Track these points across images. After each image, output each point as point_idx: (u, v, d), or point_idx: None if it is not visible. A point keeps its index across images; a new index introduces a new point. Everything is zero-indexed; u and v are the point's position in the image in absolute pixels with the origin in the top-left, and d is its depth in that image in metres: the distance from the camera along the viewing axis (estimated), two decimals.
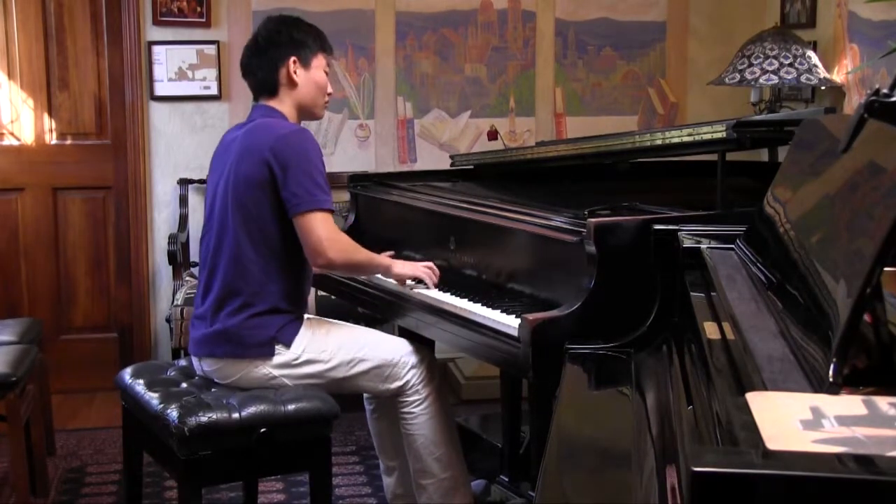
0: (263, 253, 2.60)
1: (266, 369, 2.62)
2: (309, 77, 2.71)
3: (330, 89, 2.79)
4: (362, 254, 2.70)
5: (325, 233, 2.55)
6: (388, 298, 2.86)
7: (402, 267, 2.77)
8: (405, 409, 2.73)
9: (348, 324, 2.87)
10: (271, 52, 2.69)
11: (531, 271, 2.54)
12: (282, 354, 2.62)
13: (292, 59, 2.68)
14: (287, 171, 2.54)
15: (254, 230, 2.60)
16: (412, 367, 2.71)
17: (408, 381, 2.71)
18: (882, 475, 0.94)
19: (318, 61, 2.73)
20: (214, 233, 2.67)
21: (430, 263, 2.79)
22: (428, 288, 2.74)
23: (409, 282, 2.79)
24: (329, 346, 2.67)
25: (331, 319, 2.85)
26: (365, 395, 2.96)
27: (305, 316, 2.73)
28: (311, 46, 2.72)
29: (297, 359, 2.64)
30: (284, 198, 2.55)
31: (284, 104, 2.71)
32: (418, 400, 2.71)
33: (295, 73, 2.69)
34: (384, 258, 2.80)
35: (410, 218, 3.06)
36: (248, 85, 2.78)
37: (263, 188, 2.57)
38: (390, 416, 2.90)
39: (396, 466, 2.95)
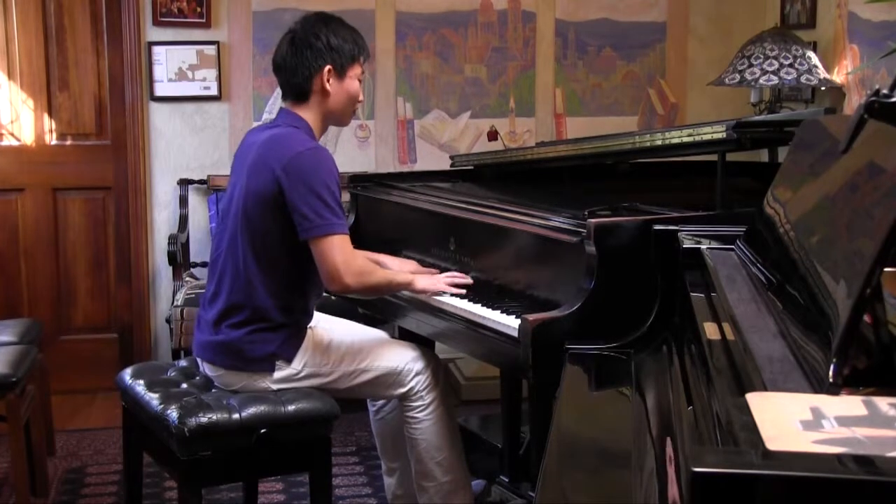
0: (268, 270, 2.56)
1: (266, 384, 2.60)
2: (342, 87, 2.61)
3: (361, 97, 2.69)
4: (379, 275, 2.62)
5: (340, 258, 2.47)
6: (388, 298, 2.86)
7: (424, 282, 2.66)
8: (409, 414, 2.71)
9: (352, 329, 2.82)
10: (307, 55, 2.58)
11: (531, 271, 2.54)
12: (282, 370, 2.60)
13: (328, 68, 2.58)
14: (298, 191, 2.46)
15: (259, 246, 2.55)
16: (417, 374, 2.69)
17: (412, 388, 2.69)
18: (882, 475, 0.94)
19: (354, 70, 2.63)
20: (227, 239, 2.62)
21: (453, 274, 2.72)
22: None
23: None
24: (331, 359, 2.65)
25: (330, 322, 2.83)
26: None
27: (309, 326, 2.69)
28: (347, 55, 2.61)
29: (297, 374, 2.62)
30: (296, 220, 2.48)
31: (312, 112, 2.63)
32: (422, 405, 2.70)
33: (328, 82, 2.59)
34: (404, 275, 2.70)
35: (410, 218, 3.06)
36: (277, 81, 2.68)
37: (271, 205, 2.51)
38: (394, 419, 2.89)
39: (398, 468, 2.94)
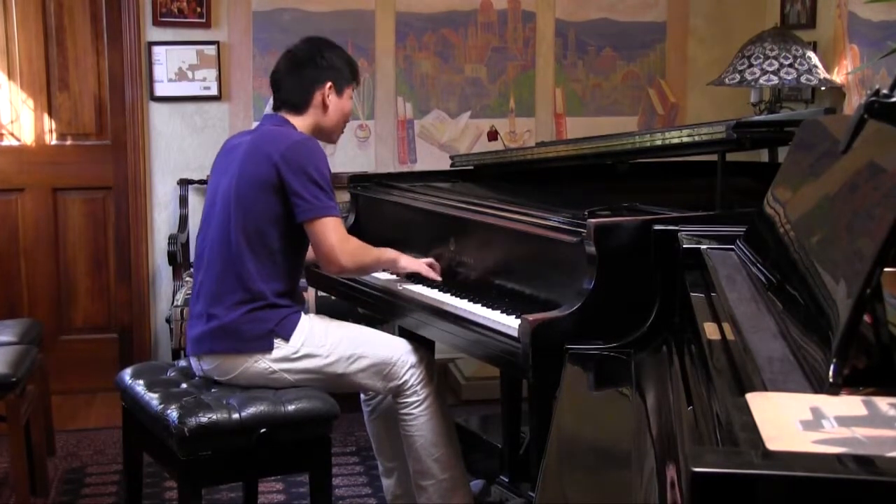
0: (260, 253, 2.62)
1: (265, 363, 2.63)
2: (339, 104, 2.78)
3: (350, 115, 2.86)
4: (371, 255, 2.76)
5: (336, 240, 2.61)
6: (388, 298, 2.86)
7: (406, 262, 2.81)
8: (404, 410, 2.73)
9: (347, 322, 2.87)
10: (310, 72, 2.74)
11: (531, 271, 2.54)
12: (280, 348, 2.63)
13: (329, 84, 2.74)
14: (298, 176, 2.57)
15: (252, 230, 2.62)
16: (411, 367, 2.71)
17: (406, 381, 2.71)
18: (882, 475, 0.94)
19: (349, 91, 2.81)
20: (213, 231, 2.69)
21: (431, 260, 2.84)
22: (430, 284, 2.76)
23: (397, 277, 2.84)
24: (328, 341, 2.68)
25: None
26: (362, 396, 2.96)
27: (304, 311, 2.74)
28: (346, 76, 2.79)
29: (296, 352, 2.64)
30: (294, 203, 2.58)
31: (304, 121, 2.75)
32: (417, 401, 2.71)
33: (328, 97, 2.75)
34: (390, 253, 2.82)
35: (410, 218, 3.06)
36: (273, 97, 2.81)
37: (267, 190, 2.60)
38: (388, 418, 2.90)
39: (395, 468, 2.95)
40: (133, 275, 4.44)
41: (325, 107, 2.75)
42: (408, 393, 2.71)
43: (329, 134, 2.83)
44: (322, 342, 2.68)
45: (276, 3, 4.40)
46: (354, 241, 2.72)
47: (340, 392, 2.70)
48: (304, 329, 2.66)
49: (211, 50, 4.37)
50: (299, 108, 2.75)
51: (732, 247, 2.06)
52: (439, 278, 2.79)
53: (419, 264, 2.81)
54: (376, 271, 2.89)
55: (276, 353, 2.63)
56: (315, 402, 2.56)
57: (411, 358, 2.73)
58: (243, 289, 2.61)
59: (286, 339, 2.63)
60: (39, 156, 4.42)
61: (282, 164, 2.58)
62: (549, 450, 1.60)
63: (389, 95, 4.58)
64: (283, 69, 2.78)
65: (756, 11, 4.68)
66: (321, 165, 2.62)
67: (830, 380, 1.18)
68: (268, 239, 2.62)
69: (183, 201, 4.39)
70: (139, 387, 2.66)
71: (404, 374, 2.71)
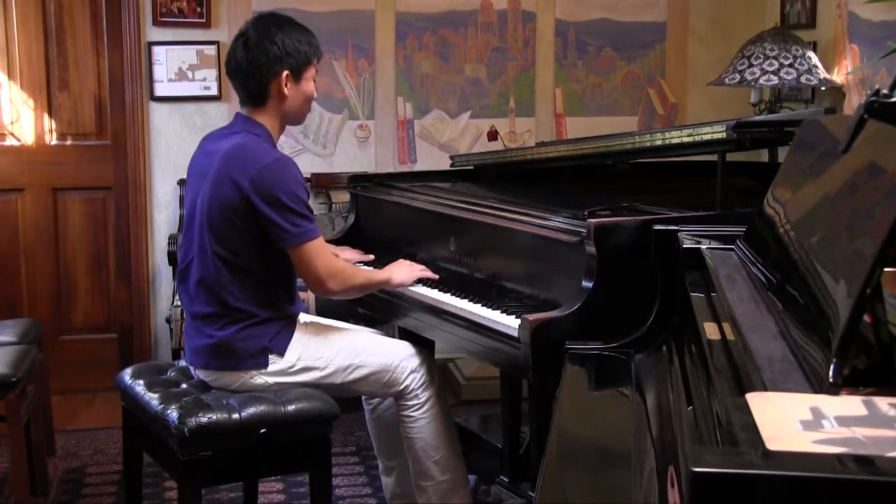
0: (241, 276, 2.55)
1: (262, 378, 2.60)
2: (299, 90, 2.61)
3: (315, 95, 2.69)
4: (360, 277, 2.68)
5: (322, 264, 2.54)
6: (388, 299, 2.86)
7: (399, 275, 2.75)
8: (405, 413, 2.72)
9: (346, 326, 2.85)
10: (263, 61, 2.57)
11: (531, 272, 2.54)
12: (276, 363, 2.60)
13: (285, 73, 2.57)
14: (271, 205, 2.47)
15: (229, 255, 2.54)
16: (412, 372, 2.69)
17: (407, 386, 2.69)
18: (882, 475, 0.94)
19: (310, 73, 2.63)
20: (196, 249, 2.60)
21: (422, 267, 2.80)
22: (430, 284, 2.75)
23: None
24: (325, 353, 2.65)
25: (327, 322, 2.84)
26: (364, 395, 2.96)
27: (301, 319, 2.71)
28: (303, 58, 2.60)
29: (292, 367, 2.61)
30: (272, 232, 2.49)
31: (269, 116, 2.62)
32: (418, 404, 2.70)
33: (286, 86, 2.59)
34: (380, 273, 2.76)
35: (410, 218, 3.06)
36: (231, 85, 2.67)
37: (239, 216, 2.50)
38: (389, 417, 2.90)
39: (395, 466, 2.95)
40: (133, 275, 4.44)
41: (282, 96, 2.58)
42: (409, 397, 2.70)
43: (296, 118, 2.69)
44: (319, 354, 2.64)
45: (276, 4, 4.39)
46: (341, 265, 2.64)
47: (342, 396, 2.69)
48: (299, 343, 2.62)
49: (211, 50, 4.37)
50: (258, 101, 2.61)
51: (732, 247, 2.07)
52: (436, 276, 2.76)
53: (412, 273, 2.76)
54: (368, 292, 2.79)
55: (272, 368, 2.60)
56: (315, 402, 2.56)
57: (411, 362, 2.70)
58: (230, 309, 2.55)
59: (281, 354, 2.60)
60: (39, 156, 4.42)
61: (251, 192, 2.47)
62: (549, 450, 1.60)
63: (389, 95, 4.58)
64: (237, 57, 2.60)
65: (756, 11, 4.68)
66: (294, 187, 2.50)
67: (830, 380, 1.18)
68: (246, 262, 2.54)
69: (183, 201, 4.39)
70: (139, 387, 2.66)
71: (405, 380, 2.69)
